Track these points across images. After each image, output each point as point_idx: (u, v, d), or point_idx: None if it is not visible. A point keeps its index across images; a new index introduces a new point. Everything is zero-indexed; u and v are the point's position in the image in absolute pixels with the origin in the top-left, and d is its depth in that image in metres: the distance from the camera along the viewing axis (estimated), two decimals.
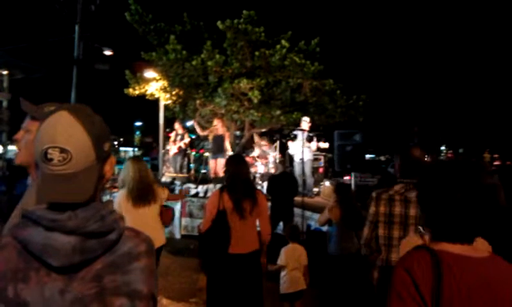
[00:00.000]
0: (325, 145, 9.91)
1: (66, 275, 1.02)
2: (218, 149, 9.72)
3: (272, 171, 10.10)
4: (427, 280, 1.24)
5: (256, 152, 10.90)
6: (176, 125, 11.57)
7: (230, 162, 3.86)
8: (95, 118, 1.13)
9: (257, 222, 3.82)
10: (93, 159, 1.08)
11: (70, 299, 1.01)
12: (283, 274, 4.41)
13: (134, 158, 4.39)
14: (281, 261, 4.42)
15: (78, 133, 1.05)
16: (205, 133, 10.52)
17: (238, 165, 3.75)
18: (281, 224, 7.13)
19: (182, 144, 11.26)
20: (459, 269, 1.25)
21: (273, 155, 10.63)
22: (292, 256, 4.43)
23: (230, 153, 9.48)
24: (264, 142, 10.99)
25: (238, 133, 12.79)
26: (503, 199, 1.31)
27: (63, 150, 1.02)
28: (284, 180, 7.39)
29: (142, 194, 4.02)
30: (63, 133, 1.03)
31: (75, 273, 1.03)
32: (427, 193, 1.42)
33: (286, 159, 11.15)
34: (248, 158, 10.26)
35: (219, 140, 9.78)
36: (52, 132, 1.03)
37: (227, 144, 9.77)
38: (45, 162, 1.03)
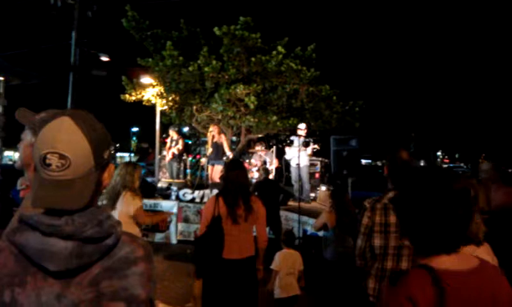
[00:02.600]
0: (315, 146, 9.92)
1: (63, 280, 1.02)
2: (215, 156, 9.72)
3: (270, 176, 10.11)
4: (430, 303, 1.20)
5: (253, 158, 10.91)
6: (171, 131, 11.57)
7: (226, 167, 3.85)
8: (97, 125, 1.13)
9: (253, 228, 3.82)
10: (91, 166, 1.08)
11: (67, 304, 1.01)
12: (277, 279, 4.40)
13: (122, 163, 4.32)
14: (275, 265, 4.41)
15: (78, 140, 1.05)
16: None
17: (234, 171, 3.73)
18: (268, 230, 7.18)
19: (175, 150, 11.24)
20: (457, 287, 1.22)
21: (269, 160, 10.64)
22: (286, 261, 4.43)
23: (229, 155, 9.49)
24: (260, 148, 11.00)
25: (234, 138, 12.79)
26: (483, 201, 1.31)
27: (62, 156, 1.02)
28: (267, 186, 7.47)
29: (110, 200, 3.91)
30: (63, 139, 1.03)
31: (72, 278, 1.03)
32: (407, 207, 1.37)
33: (282, 165, 11.15)
34: (244, 164, 10.26)
35: (215, 146, 9.78)
36: (52, 138, 1.03)
37: (225, 148, 9.76)
38: (44, 167, 1.03)
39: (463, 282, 1.24)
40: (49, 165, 1.02)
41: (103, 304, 1.03)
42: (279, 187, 7.91)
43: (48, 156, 1.02)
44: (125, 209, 3.85)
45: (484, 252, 1.96)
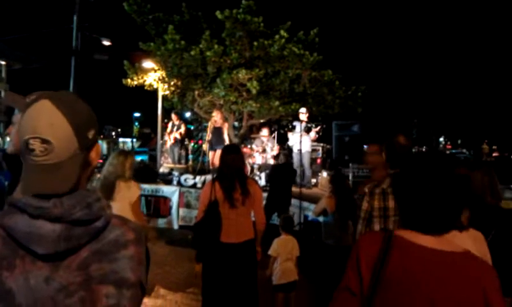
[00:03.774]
0: (316, 129, 9.89)
1: (52, 263, 1.02)
2: (217, 141, 9.70)
3: (271, 162, 10.10)
4: (370, 259, 1.28)
5: (254, 143, 10.89)
6: (173, 116, 11.56)
7: (222, 152, 3.87)
8: (78, 105, 1.11)
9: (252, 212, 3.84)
10: (75, 148, 1.07)
11: (56, 287, 1.01)
12: (275, 265, 4.42)
13: (114, 153, 4.27)
14: (273, 251, 4.42)
15: (59, 123, 1.03)
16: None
17: (229, 155, 3.76)
18: (275, 215, 7.15)
19: (177, 135, 11.24)
20: (410, 257, 1.25)
21: (271, 146, 10.62)
22: (284, 247, 4.43)
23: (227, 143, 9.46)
24: (262, 133, 10.98)
25: (236, 124, 12.76)
26: (476, 189, 1.30)
27: (44, 141, 1.01)
28: (285, 170, 7.42)
29: (105, 191, 3.87)
30: (43, 123, 1.02)
31: (61, 261, 1.02)
32: (399, 183, 1.42)
33: (287, 150, 11.15)
34: (245, 149, 10.25)
35: (217, 132, 9.75)
36: (33, 122, 1.02)
37: (226, 136, 9.74)
38: (28, 153, 1.03)
39: (424, 257, 1.24)
40: (33, 150, 1.02)
41: (92, 287, 1.02)
42: (295, 174, 7.85)
43: (31, 141, 1.01)
44: (122, 200, 3.85)
45: (467, 238, 1.94)
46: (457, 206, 1.31)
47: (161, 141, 12.47)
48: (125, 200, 3.83)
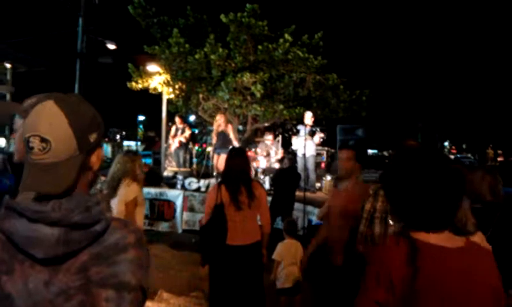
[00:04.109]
0: (322, 134, 9.88)
1: (51, 267, 1.01)
2: (221, 145, 9.69)
3: (276, 166, 10.08)
4: (401, 269, 1.24)
5: (259, 147, 10.88)
6: (176, 119, 11.55)
7: (228, 155, 3.88)
8: (82, 107, 1.11)
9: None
10: (74, 149, 1.07)
11: (55, 291, 1.00)
12: (280, 269, 4.40)
13: (121, 153, 4.22)
14: (277, 255, 4.40)
15: (59, 123, 1.04)
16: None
17: (234, 159, 3.78)
18: (279, 219, 7.12)
19: (182, 138, 11.24)
20: (433, 260, 1.25)
21: (275, 149, 10.61)
22: (288, 252, 4.41)
23: (235, 144, 9.46)
24: (267, 137, 10.97)
25: (241, 127, 12.76)
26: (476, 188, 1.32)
27: (43, 139, 1.02)
28: (289, 174, 7.41)
29: (110, 189, 3.83)
30: (44, 122, 1.03)
31: (60, 265, 1.01)
32: (394, 184, 1.39)
33: (291, 154, 11.13)
34: (250, 153, 10.24)
35: (222, 135, 9.74)
36: (35, 121, 1.04)
37: (232, 137, 9.71)
38: (28, 151, 1.04)
39: (445, 257, 1.26)
40: (32, 148, 1.03)
41: (92, 291, 1.01)
42: (299, 178, 7.84)
43: (31, 139, 1.03)
44: (120, 198, 3.80)
45: (477, 238, 1.95)
46: (455, 199, 1.31)
47: (165, 145, 12.47)
48: (121, 198, 3.79)
